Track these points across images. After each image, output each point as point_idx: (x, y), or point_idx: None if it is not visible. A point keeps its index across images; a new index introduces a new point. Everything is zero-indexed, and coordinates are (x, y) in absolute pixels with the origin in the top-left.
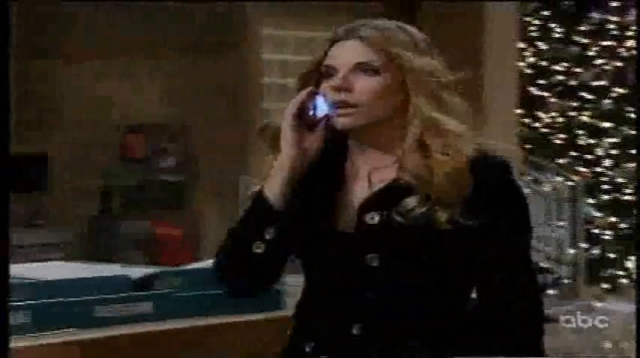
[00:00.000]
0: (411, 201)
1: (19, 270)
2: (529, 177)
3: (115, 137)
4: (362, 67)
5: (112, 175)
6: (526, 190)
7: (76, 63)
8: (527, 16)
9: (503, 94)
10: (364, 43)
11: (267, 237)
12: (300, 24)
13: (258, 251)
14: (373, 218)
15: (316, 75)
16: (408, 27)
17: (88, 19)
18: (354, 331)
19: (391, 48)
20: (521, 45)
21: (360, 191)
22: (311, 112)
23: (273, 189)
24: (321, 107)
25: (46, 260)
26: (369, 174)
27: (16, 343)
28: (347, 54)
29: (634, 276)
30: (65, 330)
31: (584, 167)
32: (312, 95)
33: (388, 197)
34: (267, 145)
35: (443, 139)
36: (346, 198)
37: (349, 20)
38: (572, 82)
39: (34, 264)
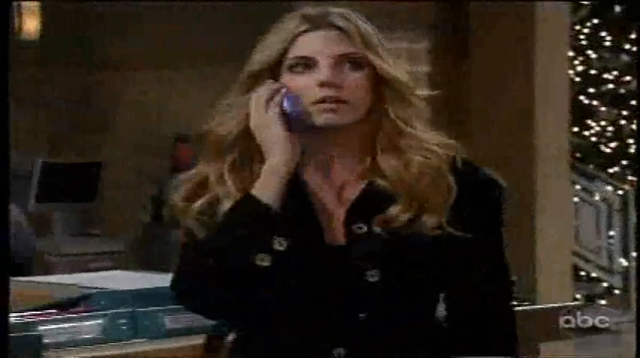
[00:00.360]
0: (394, 208)
1: (79, 279)
2: (578, 186)
3: (166, 146)
4: (347, 60)
5: (164, 184)
6: (575, 199)
7: (129, 71)
8: (577, 24)
9: (554, 102)
10: (343, 34)
11: (277, 247)
12: None
13: (265, 264)
14: (361, 228)
15: (272, 71)
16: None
17: (140, 29)
18: (335, 355)
19: (369, 42)
20: (571, 53)
21: (331, 199)
22: (286, 110)
23: (270, 195)
24: (293, 104)
25: (98, 269)
26: (340, 180)
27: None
28: (327, 44)
29: None
30: (135, 341)
31: (634, 176)
32: (280, 91)
33: (370, 203)
34: (205, 155)
35: (415, 142)
36: (321, 207)
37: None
38: (622, 91)
39: (97, 273)
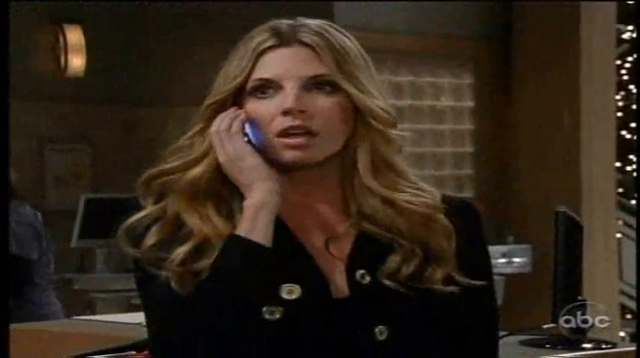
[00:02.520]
0: (394, 258)
1: (140, 318)
2: (621, 222)
3: None
4: (317, 83)
5: None
6: (618, 235)
7: (172, 107)
8: (618, 59)
9: (600, 137)
10: (312, 50)
11: (287, 296)
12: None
13: (275, 317)
14: (364, 277)
15: (236, 97)
16: (345, 32)
17: (182, 66)
18: None
19: (343, 62)
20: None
21: (323, 245)
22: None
23: (261, 235)
24: (257, 133)
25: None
26: (328, 225)
27: None
28: (292, 64)
29: None
30: None
31: None
32: (239, 116)
33: (368, 252)
34: (151, 198)
35: (400, 182)
36: (316, 253)
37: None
38: None
39: None
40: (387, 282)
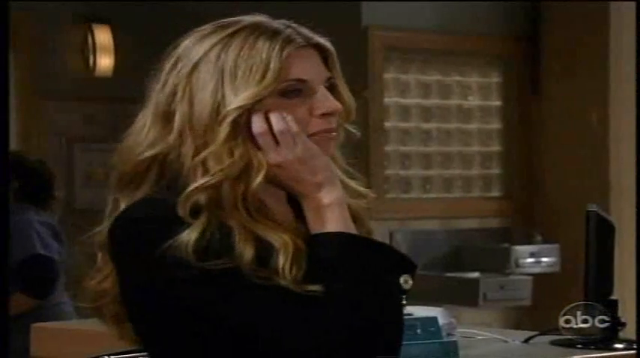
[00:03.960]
0: None
1: None
2: None
3: None
4: (328, 84)
5: None
6: None
7: None
8: None
9: (629, 136)
10: (321, 54)
11: (406, 286)
12: (421, 68)
13: (409, 285)
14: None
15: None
16: None
17: None
18: None
19: (335, 67)
20: None
21: None
22: None
23: (353, 228)
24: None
25: None
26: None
27: None
28: (318, 65)
29: None
30: None
31: None
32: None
33: None
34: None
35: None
36: None
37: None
38: None
39: None
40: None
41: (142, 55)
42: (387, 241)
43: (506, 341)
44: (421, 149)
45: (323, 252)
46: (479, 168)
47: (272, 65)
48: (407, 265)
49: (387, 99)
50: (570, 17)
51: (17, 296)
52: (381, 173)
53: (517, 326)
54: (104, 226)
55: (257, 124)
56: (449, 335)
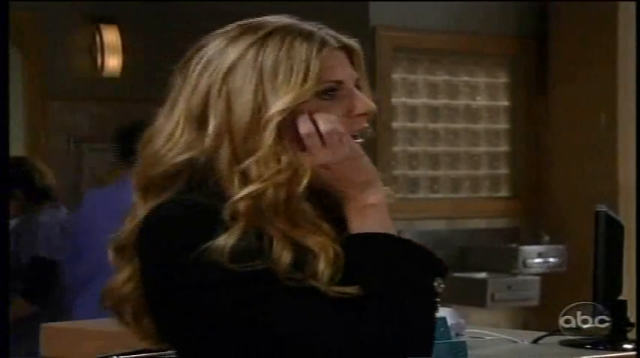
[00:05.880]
0: None
1: None
2: None
3: None
4: (356, 85)
5: None
6: None
7: None
8: None
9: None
10: (347, 55)
11: (440, 290)
12: (429, 68)
13: (442, 288)
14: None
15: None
16: None
17: None
18: None
19: (362, 67)
20: None
21: None
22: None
23: (395, 230)
24: None
25: None
26: None
27: None
28: (347, 66)
29: None
30: None
31: None
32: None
33: None
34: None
35: None
36: None
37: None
38: None
39: None
40: None
41: (150, 55)
42: None
43: (515, 342)
44: (429, 149)
45: (364, 252)
46: (486, 168)
47: (312, 67)
48: (441, 268)
49: (394, 100)
50: (579, 17)
51: (17, 300)
52: (389, 173)
53: (525, 327)
54: (126, 228)
55: (305, 125)
56: (458, 335)
